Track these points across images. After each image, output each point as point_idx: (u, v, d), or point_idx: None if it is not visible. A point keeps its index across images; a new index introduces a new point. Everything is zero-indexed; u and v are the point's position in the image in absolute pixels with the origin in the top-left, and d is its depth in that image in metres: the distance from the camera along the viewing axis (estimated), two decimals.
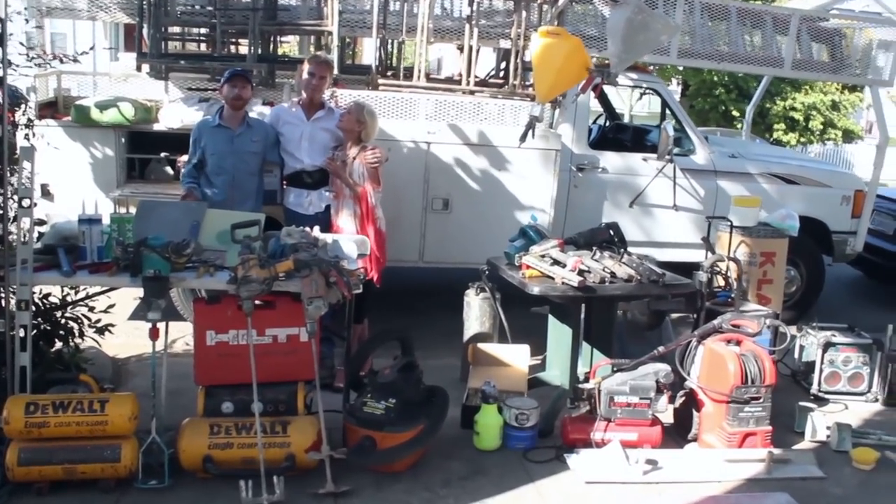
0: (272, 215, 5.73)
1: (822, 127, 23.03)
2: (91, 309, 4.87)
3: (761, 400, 4.40)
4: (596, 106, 8.18)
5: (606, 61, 6.15)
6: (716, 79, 22.14)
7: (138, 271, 3.80)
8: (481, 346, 5.32)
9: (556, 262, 4.57)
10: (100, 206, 4.31)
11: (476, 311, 5.54)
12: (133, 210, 5.83)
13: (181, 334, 5.56)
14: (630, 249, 5.04)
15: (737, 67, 7.44)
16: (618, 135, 8.15)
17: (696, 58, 7.11)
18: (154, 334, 3.80)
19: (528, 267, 4.58)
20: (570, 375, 4.82)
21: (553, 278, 4.45)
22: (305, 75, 5.44)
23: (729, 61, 7.27)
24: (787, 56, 7.26)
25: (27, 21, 5.68)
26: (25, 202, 3.91)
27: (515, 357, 5.25)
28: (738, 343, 4.62)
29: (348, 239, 4.65)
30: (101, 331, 4.86)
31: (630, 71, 6.79)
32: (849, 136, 24.52)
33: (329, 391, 4.99)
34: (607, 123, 8.36)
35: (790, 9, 7.77)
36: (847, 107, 24.33)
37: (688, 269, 6.92)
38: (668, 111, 7.35)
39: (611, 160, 6.98)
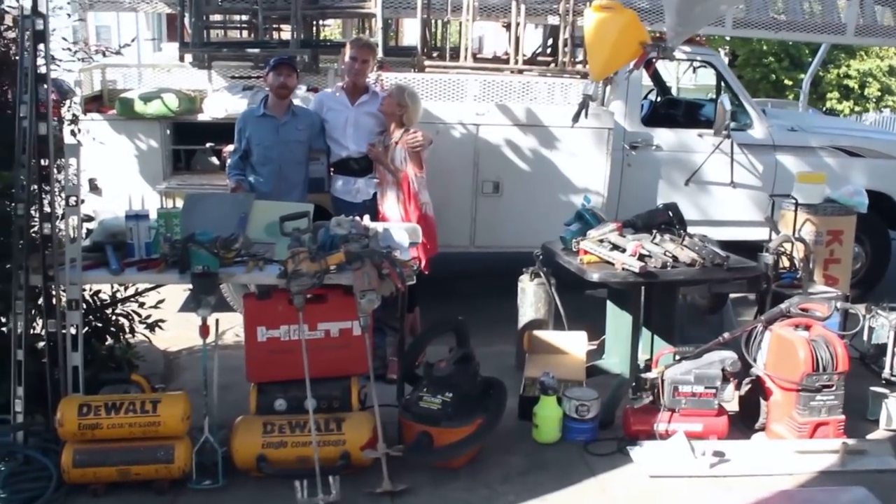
0: (320, 203, 5.65)
1: (878, 94, 22.29)
2: (141, 305, 4.83)
3: (833, 388, 4.19)
4: (647, 81, 7.94)
5: (659, 34, 5.94)
6: (765, 48, 21.54)
7: (186, 267, 3.72)
8: (537, 333, 5.17)
9: (615, 247, 4.39)
10: (147, 200, 4.25)
11: (531, 297, 5.39)
12: (180, 203, 5.83)
13: (230, 325, 5.50)
14: (688, 229, 4.85)
15: (795, 36, 7.16)
16: (670, 110, 7.88)
17: (752, 28, 6.84)
18: (205, 332, 3.73)
19: (585, 252, 4.41)
20: (630, 364, 4.65)
21: (613, 264, 4.28)
22: (347, 59, 5.32)
23: (787, 30, 6.98)
24: (849, 21, 6.95)
25: (69, 16, 5.63)
26: (72, 200, 3.85)
27: (573, 344, 5.10)
28: (808, 328, 4.41)
29: (399, 227, 4.53)
30: (151, 327, 4.82)
31: (683, 43, 6.55)
32: None
33: (382, 382, 4.89)
34: (659, 99, 8.10)
35: None
36: None
37: (747, 248, 6.72)
38: (723, 84, 7.07)
39: (664, 137, 6.75)
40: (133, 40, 6.00)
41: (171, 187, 5.82)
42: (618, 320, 4.86)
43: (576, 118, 5.51)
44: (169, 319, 5.27)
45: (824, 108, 21.34)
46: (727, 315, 5.56)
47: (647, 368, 4.65)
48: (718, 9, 4.99)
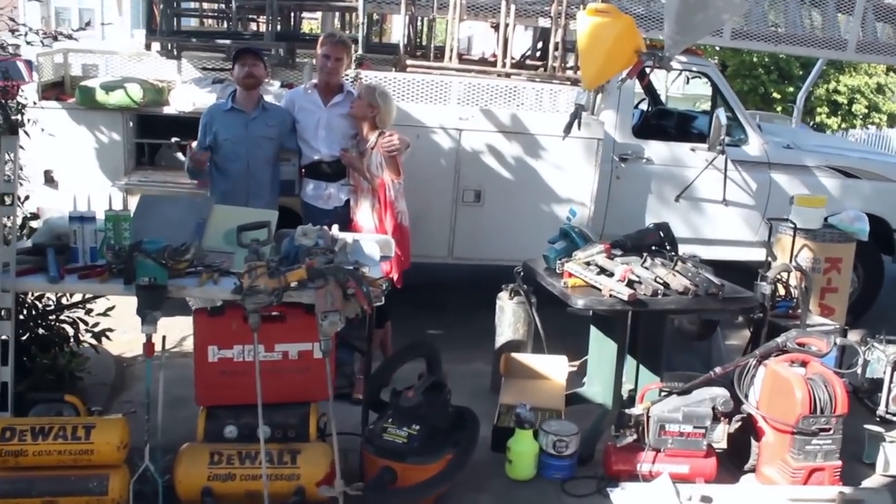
0: (291, 207, 5.31)
1: (866, 111, 22.18)
2: (88, 312, 4.46)
3: (831, 432, 3.89)
4: (638, 89, 7.63)
5: (651, 43, 5.64)
6: (755, 59, 21.36)
7: (132, 278, 3.36)
8: (515, 356, 4.86)
9: (602, 271, 4.07)
10: (106, 195, 3.87)
11: (509, 316, 5.07)
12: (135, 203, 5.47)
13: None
14: (678, 248, 4.55)
15: (795, 50, 6.85)
16: (661, 121, 7.60)
17: (750, 39, 6.54)
18: (149, 350, 3.37)
19: (570, 275, 4.08)
20: (613, 395, 4.34)
21: (599, 289, 3.96)
22: (319, 56, 4.97)
23: (787, 43, 6.68)
24: (850, 37, 6.67)
25: None
26: (7, 199, 3.48)
27: (552, 369, 4.80)
28: (804, 364, 4.11)
29: (370, 239, 4.19)
30: (98, 336, 4.44)
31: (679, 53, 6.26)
32: (893, 120, 23.62)
33: (348, 402, 4.57)
34: (650, 109, 7.81)
35: None
36: (892, 89, 23.47)
37: (737, 268, 6.48)
38: (718, 97, 6.77)
39: (656, 150, 6.44)
40: (88, 24, 5.61)
41: (131, 183, 5.46)
42: (601, 345, 4.55)
43: (568, 129, 5.19)
44: (125, 321, 4.88)
45: (813, 124, 21.20)
46: (716, 342, 5.27)
47: (631, 400, 4.36)
48: (720, 18, 4.68)
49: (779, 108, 21.30)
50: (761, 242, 6.71)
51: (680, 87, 18.44)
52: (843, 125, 22.36)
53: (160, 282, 3.33)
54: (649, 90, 7.94)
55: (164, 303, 3.38)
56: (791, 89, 21.55)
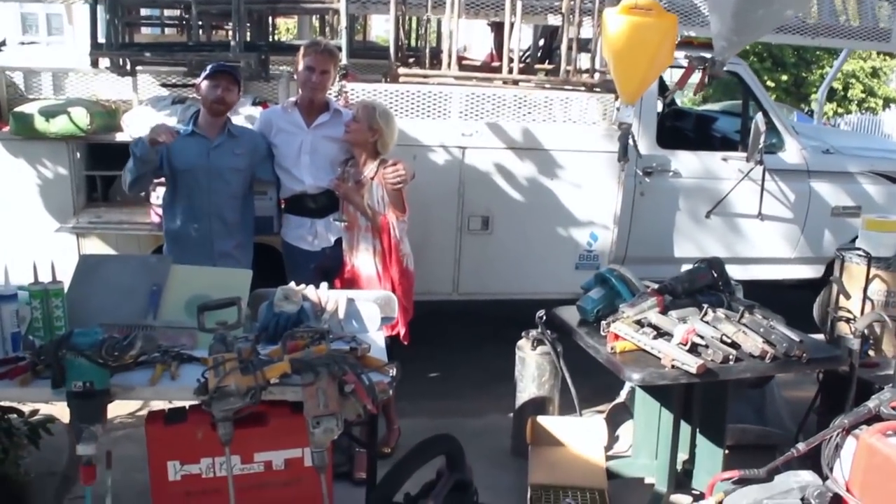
0: (271, 244, 4.54)
1: (862, 95, 21.55)
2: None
3: None
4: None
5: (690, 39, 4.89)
6: (748, 47, 20.66)
7: (61, 382, 2.55)
8: (543, 420, 4.09)
9: (657, 331, 3.29)
10: (33, 259, 3.04)
11: (532, 370, 4.30)
12: (93, 247, 4.67)
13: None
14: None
15: (834, 43, 6.10)
16: (679, 125, 6.85)
17: (789, 33, 5.77)
18: (87, 476, 2.56)
19: (618, 337, 3.31)
20: (668, 474, 3.57)
21: (657, 356, 3.18)
22: (302, 70, 4.17)
23: (825, 35, 5.92)
24: (894, 27, 5.94)
25: None
26: None
27: (588, 435, 4.04)
28: None
29: (369, 299, 3.41)
30: (35, 430, 3.61)
31: (698, 49, 5.49)
32: (889, 104, 23.03)
33: (348, 483, 3.80)
34: (664, 110, 7.04)
35: None
36: (887, 73, 22.89)
37: (770, 285, 5.77)
38: (750, 99, 6.03)
39: (683, 161, 5.69)
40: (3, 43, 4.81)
41: (81, 226, 4.65)
42: (649, 411, 3.79)
43: (623, 154, 4.47)
44: None
45: (808, 110, 20.54)
46: (771, 391, 4.52)
47: (687, 475, 3.61)
48: (784, 14, 3.92)
49: (773, 96, 20.60)
50: (800, 259, 6.01)
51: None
52: (839, 111, 21.74)
53: (98, 386, 2.52)
54: (661, 89, 7.18)
55: (106, 413, 2.58)
56: (784, 77, 20.91)
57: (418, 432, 4.40)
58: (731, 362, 3.16)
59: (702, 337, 3.22)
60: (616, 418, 4.84)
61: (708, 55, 5.44)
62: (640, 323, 3.33)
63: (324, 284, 3.37)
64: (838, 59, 8.11)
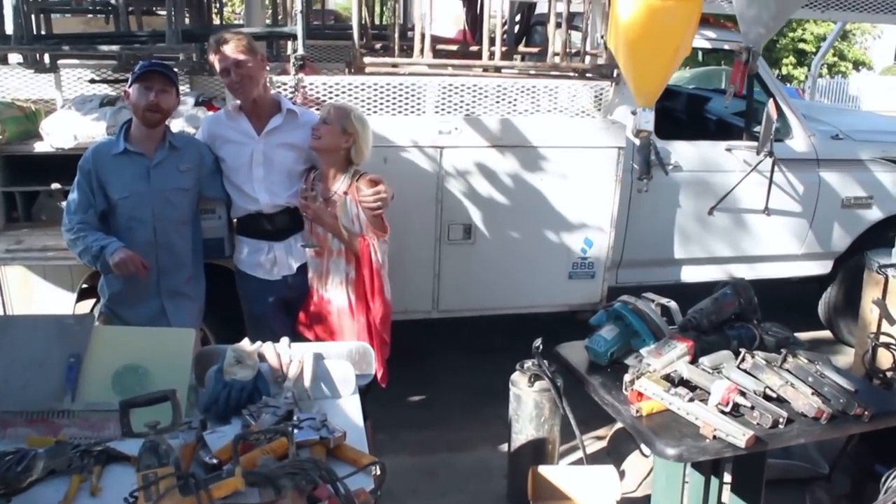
0: (225, 265, 3.90)
1: (833, 59, 21.21)
2: None
3: None
4: None
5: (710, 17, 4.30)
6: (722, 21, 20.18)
7: None
8: (546, 472, 3.52)
9: (689, 388, 2.72)
10: None
11: (530, 409, 3.73)
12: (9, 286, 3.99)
13: None
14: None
15: (846, 17, 5.53)
16: (670, 107, 6.25)
17: (819, 9, 5.20)
18: None
19: (642, 396, 2.73)
20: None
21: (695, 423, 2.61)
22: (220, 74, 3.48)
23: (836, 9, 5.35)
24: None
25: None
26: None
27: (598, 487, 3.48)
28: None
29: (340, 355, 2.80)
30: None
31: (704, 27, 4.91)
32: (857, 66, 22.74)
33: None
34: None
35: None
36: (855, 35, 22.56)
37: (775, 283, 5.38)
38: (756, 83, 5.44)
39: (683, 153, 5.10)
40: None
41: None
42: (672, 471, 3.23)
43: (646, 170, 3.93)
44: None
45: (778, 75, 20.13)
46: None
47: None
48: None
49: None
50: (808, 255, 5.51)
51: None
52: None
53: None
54: None
55: None
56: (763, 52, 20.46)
57: (401, 472, 3.90)
58: (781, 425, 2.60)
59: (744, 394, 2.66)
60: (619, 447, 4.32)
61: (735, 39, 4.91)
62: (668, 378, 2.75)
63: (284, 340, 2.75)
64: (833, 32, 7.54)
